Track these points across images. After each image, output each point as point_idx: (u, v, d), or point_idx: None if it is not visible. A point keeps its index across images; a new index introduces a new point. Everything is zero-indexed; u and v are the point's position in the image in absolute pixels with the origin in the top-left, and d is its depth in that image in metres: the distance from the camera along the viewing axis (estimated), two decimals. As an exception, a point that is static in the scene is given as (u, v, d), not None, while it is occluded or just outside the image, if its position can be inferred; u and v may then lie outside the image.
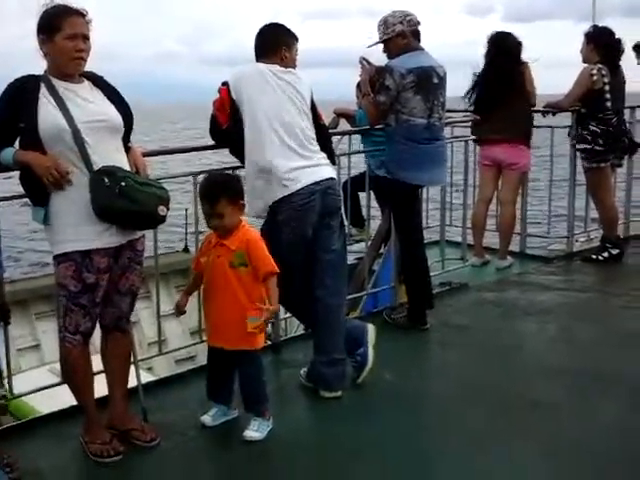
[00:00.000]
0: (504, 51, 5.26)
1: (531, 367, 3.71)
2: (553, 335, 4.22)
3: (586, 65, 5.47)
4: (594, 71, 5.39)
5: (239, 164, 3.41)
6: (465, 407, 3.20)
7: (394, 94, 3.89)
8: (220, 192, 2.78)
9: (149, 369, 5.05)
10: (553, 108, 5.69)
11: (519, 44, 5.32)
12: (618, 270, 5.55)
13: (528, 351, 3.99)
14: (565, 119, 5.80)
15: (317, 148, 3.25)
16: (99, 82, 2.74)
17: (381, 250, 5.19)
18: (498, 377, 3.57)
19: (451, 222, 5.86)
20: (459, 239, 5.64)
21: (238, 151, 3.28)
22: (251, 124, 3.14)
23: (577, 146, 5.64)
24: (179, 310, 2.94)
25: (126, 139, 2.77)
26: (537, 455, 2.81)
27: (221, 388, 2.98)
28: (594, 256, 5.68)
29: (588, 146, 5.50)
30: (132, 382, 3.01)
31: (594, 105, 5.47)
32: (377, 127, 4.15)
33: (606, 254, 5.63)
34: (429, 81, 3.95)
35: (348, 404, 3.23)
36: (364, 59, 4.24)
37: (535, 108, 5.60)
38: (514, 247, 5.85)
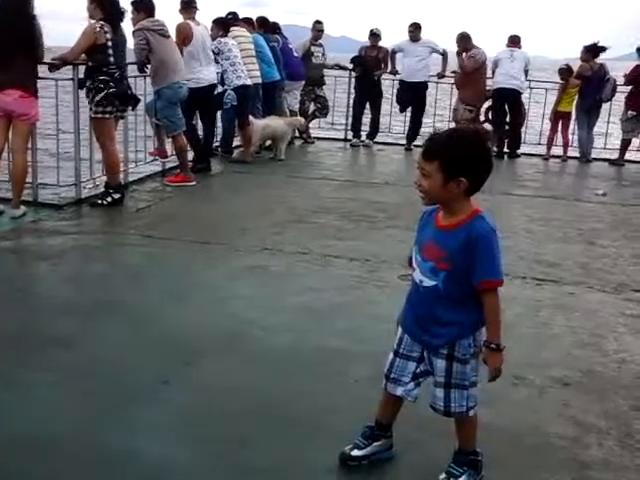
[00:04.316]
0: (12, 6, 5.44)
1: (45, 306, 4.03)
2: (66, 275, 4.59)
3: (91, 21, 5.91)
4: (97, 27, 5.86)
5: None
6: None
7: None
8: None
9: None
10: (59, 61, 5.94)
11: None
12: (120, 213, 6.16)
13: (42, 292, 4.35)
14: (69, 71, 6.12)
15: None
16: None
17: None
18: (16, 317, 3.81)
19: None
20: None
21: None
22: None
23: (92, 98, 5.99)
24: None
25: None
26: (48, 383, 3.09)
27: None
28: (99, 201, 6.22)
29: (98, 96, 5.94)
30: None
31: (99, 59, 5.92)
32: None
33: (109, 199, 6.21)
34: None
35: None
36: None
37: (44, 61, 5.78)
38: (27, 196, 6.04)
